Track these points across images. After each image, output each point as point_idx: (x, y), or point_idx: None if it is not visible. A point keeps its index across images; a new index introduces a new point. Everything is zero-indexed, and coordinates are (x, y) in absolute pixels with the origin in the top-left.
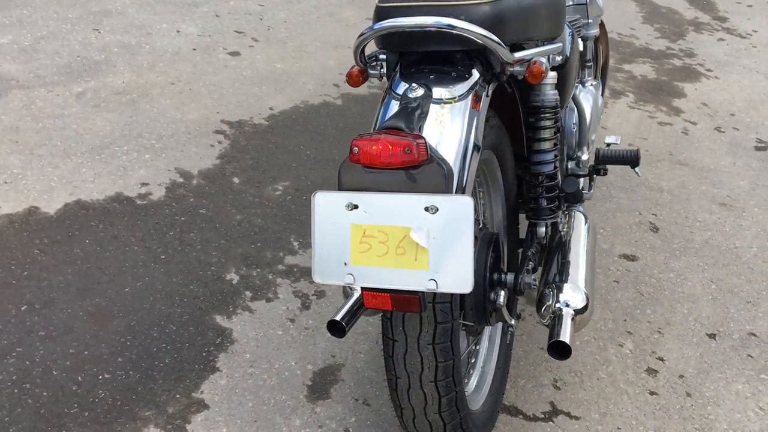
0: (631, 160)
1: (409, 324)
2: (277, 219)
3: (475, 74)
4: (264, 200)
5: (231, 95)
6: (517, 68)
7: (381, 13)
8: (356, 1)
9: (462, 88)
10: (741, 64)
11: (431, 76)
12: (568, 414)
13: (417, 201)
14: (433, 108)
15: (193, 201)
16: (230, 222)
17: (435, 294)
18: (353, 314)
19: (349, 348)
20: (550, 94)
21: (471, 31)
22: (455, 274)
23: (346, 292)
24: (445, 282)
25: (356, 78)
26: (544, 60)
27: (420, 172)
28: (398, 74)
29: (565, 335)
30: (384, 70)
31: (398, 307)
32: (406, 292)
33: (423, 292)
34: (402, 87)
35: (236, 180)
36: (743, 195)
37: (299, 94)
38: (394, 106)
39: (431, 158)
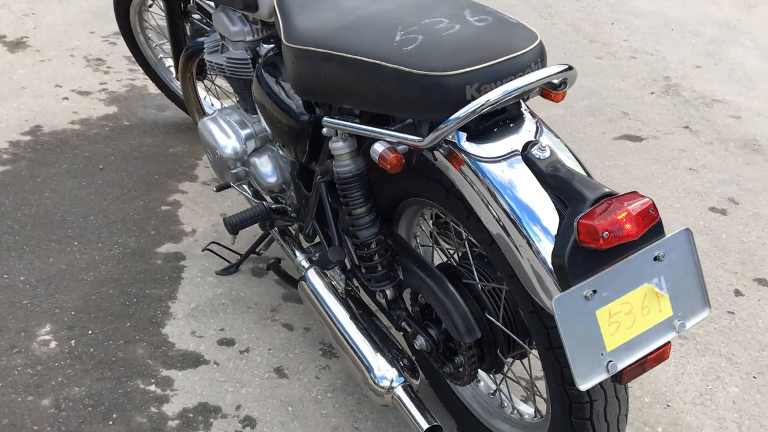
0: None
1: None
2: (92, 375)
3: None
4: (46, 363)
5: None
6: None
7: (449, 83)
8: None
9: (535, 123)
10: None
11: (521, 125)
12: None
13: (646, 256)
14: (560, 156)
15: None
16: (42, 416)
17: None
18: (427, 410)
19: None
20: None
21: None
22: (694, 302)
23: (387, 401)
24: (688, 315)
25: (401, 160)
26: None
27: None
28: (468, 138)
29: None
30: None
31: (653, 366)
32: (659, 347)
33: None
34: (498, 147)
35: None
36: None
37: None
38: (525, 174)
39: None
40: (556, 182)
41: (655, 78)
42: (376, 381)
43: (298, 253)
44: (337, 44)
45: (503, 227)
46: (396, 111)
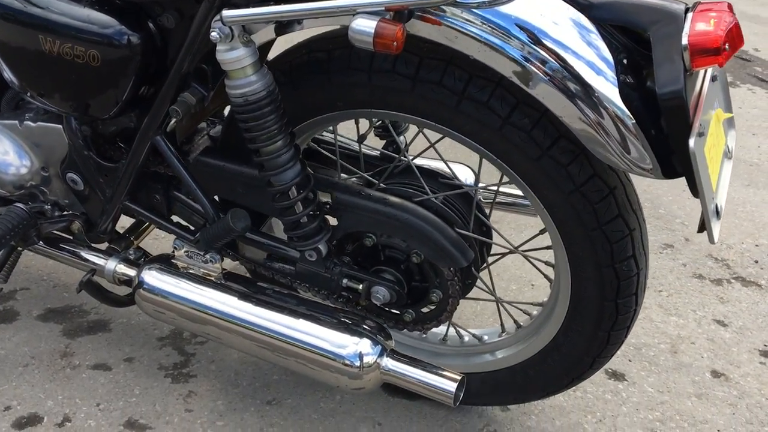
0: None
1: (638, 211)
2: None
3: None
4: None
5: None
6: None
7: None
8: None
9: None
10: None
11: None
12: None
13: (709, 79)
14: None
15: None
16: None
17: None
18: (433, 365)
19: None
20: None
21: None
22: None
23: (375, 380)
24: (728, 136)
25: (404, 31)
26: None
27: None
28: None
29: None
30: None
31: None
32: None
33: None
34: None
35: None
36: None
37: None
38: (554, 6)
39: None
40: (616, 10)
41: None
42: (350, 363)
43: (99, 259)
44: None
45: (562, 86)
46: None
